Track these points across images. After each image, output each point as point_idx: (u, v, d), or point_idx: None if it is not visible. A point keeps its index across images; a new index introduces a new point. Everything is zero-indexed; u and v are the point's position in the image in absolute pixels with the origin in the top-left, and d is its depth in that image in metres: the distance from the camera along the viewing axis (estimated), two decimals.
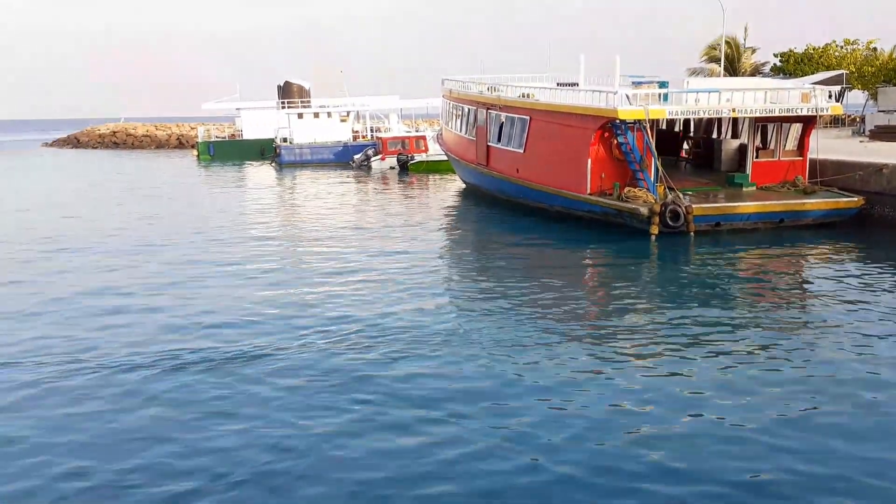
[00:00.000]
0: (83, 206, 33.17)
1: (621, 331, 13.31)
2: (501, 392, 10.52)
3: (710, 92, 24.37)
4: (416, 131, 58.76)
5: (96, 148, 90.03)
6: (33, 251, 21.87)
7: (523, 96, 29.28)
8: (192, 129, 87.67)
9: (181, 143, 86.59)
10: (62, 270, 19.15)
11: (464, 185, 37.42)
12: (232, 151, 65.30)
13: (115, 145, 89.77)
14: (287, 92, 62.84)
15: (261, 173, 51.42)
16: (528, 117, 27.89)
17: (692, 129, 33.08)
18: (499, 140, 30.19)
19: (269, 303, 15.43)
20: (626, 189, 23.29)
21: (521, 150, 28.28)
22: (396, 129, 59.51)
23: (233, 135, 69.29)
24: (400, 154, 49.78)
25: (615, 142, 24.06)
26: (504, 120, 29.77)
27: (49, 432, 9.57)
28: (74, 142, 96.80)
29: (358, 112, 64.21)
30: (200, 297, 16.03)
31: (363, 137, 61.03)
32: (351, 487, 8.07)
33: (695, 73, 57.20)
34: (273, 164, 57.83)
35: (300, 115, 60.61)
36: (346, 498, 7.88)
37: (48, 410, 10.23)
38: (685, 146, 33.10)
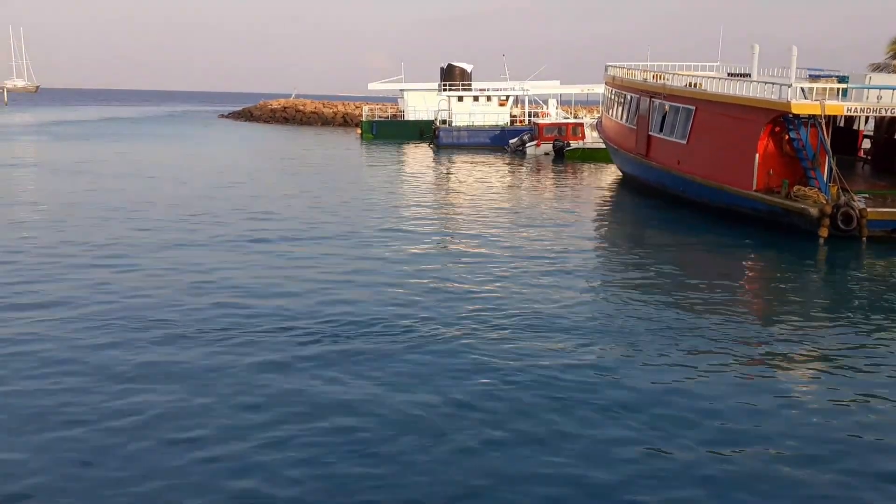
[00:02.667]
0: (269, 175, 35.00)
1: (784, 340, 12.63)
2: (662, 400, 10.09)
3: (895, 89, 22.66)
4: (575, 118, 58.05)
5: (268, 122, 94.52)
6: (225, 217, 23.32)
7: (690, 85, 28.27)
8: (357, 108, 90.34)
9: (346, 122, 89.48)
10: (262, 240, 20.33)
11: (621, 175, 36.68)
12: (393, 131, 66.91)
13: (285, 120, 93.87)
14: (449, 74, 63.59)
15: (419, 154, 52.42)
16: (693, 107, 26.94)
17: (873, 127, 30.88)
18: (661, 130, 29.34)
19: (422, 286, 15.73)
20: (796, 188, 22.09)
21: (684, 142, 27.37)
22: (554, 114, 58.99)
23: (395, 115, 70.96)
24: (556, 140, 49.35)
25: (786, 137, 22.85)
26: (668, 109, 28.89)
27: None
28: (248, 115, 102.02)
29: (517, 97, 64.12)
30: (347, 275, 16.60)
31: (521, 122, 60.90)
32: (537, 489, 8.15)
33: (878, 68, 53.21)
34: (431, 146, 58.77)
35: (460, 98, 61.21)
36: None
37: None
38: (864, 146, 30.96)
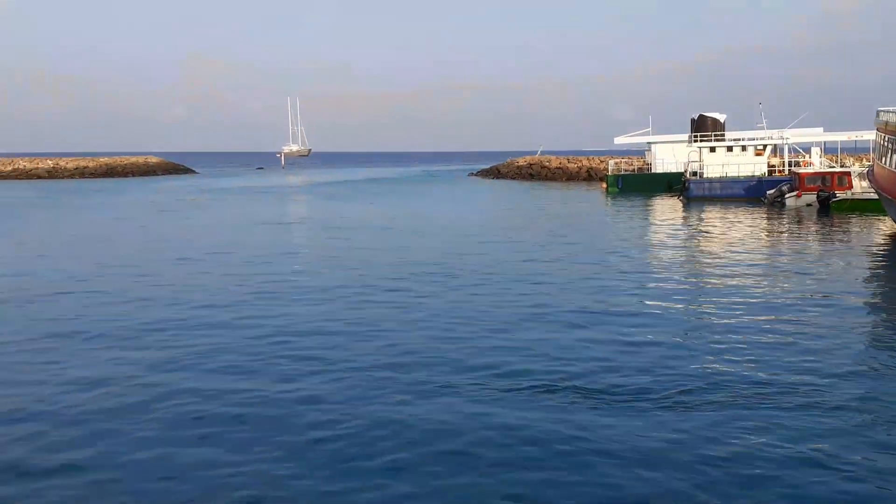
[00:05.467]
0: (522, 232, 35.73)
1: None
2: None
3: None
4: (841, 166, 53.71)
5: (514, 178, 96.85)
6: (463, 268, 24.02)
7: None
8: (602, 162, 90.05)
9: (590, 176, 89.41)
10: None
11: None
12: (639, 184, 65.87)
13: (531, 176, 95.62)
14: (700, 125, 61.62)
15: (667, 207, 50.94)
16: None
17: None
18: None
19: (664, 341, 15.02)
20: None
21: None
22: (818, 163, 55.00)
23: (640, 168, 69.84)
24: (820, 191, 45.87)
25: None
26: None
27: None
28: (496, 173, 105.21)
29: (775, 146, 60.61)
30: (599, 327, 16.20)
31: (780, 172, 57.38)
32: None
33: None
34: (680, 198, 56.95)
35: (712, 149, 58.97)
36: None
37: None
38: None
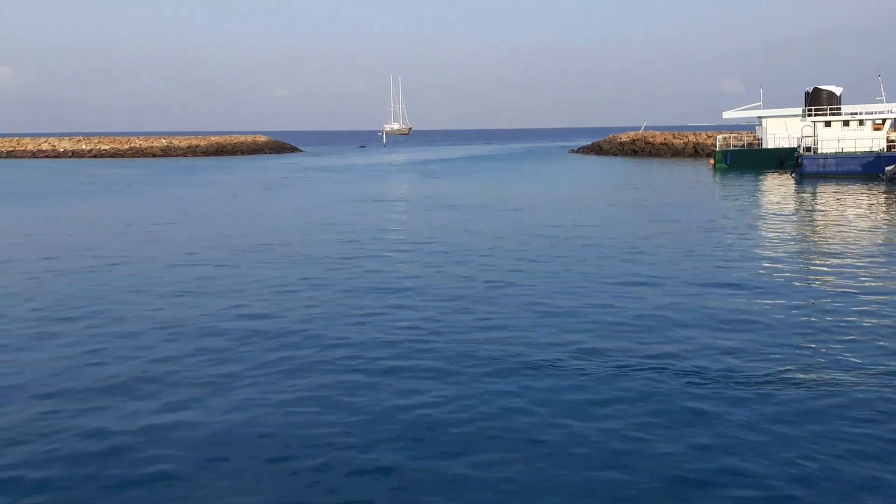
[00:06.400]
0: (624, 211, 35.21)
1: None
2: None
3: None
4: None
5: (616, 155, 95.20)
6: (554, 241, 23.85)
7: None
8: (709, 137, 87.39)
9: (697, 152, 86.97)
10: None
11: None
12: (749, 160, 63.75)
13: (634, 153, 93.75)
14: (815, 99, 58.95)
15: (778, 184, 49.05)
16: None
17: None
18: None
19: (771, 322, 14.53)
20: None
21: None
22: None
23: (750, 143, 67.51)
24: None
25: None
26: None
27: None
28: (597, 149, 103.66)
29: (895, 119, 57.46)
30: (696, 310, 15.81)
31: None
32: None
33: None
34: (792, 175, 54.75)
35: (827, 124, 56.36)
36: None
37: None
38: None
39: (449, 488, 8.31)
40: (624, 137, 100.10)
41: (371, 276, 19.94)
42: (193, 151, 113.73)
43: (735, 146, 68.16)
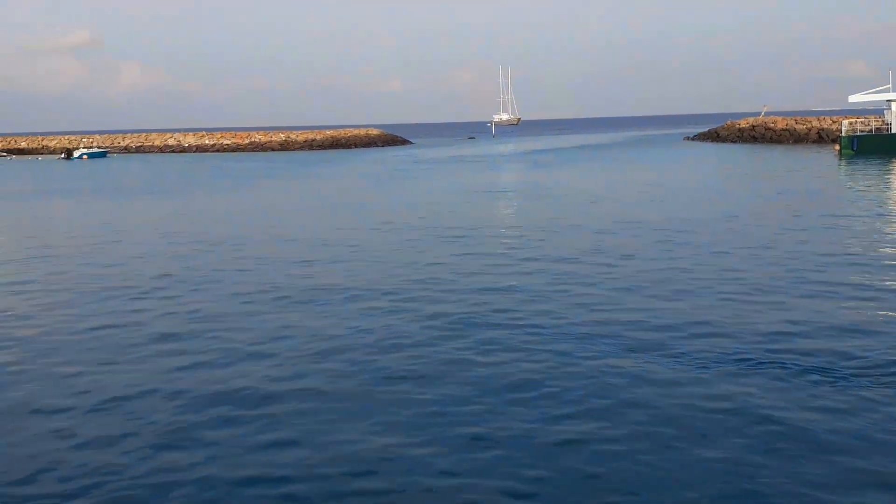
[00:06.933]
0: (749, 202, 34.27)
1: None
2: None
3: None
4: None
5: (735, 142, 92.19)
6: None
7: None
8: (834, 122, 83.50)
9: (821, 138, 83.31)
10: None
11: None
12: (878, 146, 60.55)
13: (753, 139, 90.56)
14: None
15: None
16: None
17: None
18: None
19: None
20: None
21: None
22: None
23: (878, 128, 64.09)
24: None
25: None
26: None
27: None
28: (714, 136, 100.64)
29: None
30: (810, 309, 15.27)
31: None
32: None
33: None
34: None
35: None
36: None
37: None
38: None
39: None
40: (742, 123, 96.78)
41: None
42: (310, 145, 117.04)
43: (862, 131, 64.86)
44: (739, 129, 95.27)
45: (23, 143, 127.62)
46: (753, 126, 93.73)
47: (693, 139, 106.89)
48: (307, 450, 9.04)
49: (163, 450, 9.14)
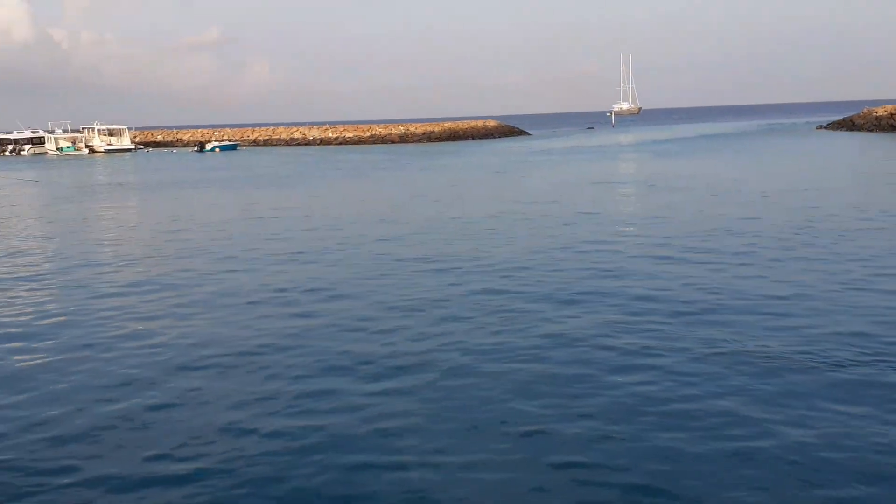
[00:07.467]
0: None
1: None
2: None
3: None
4: None
5: (871, 131, 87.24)
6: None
7: None
8: None
9: None
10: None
11: None
12: None
13: (892, 128, 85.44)
14: None
15: None
16: None
17: None
18: None
19: None
20: None
21: None
22: None
23: None
24: None
25: None
26: None
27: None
28: (849, 125, 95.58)
29: None
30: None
31: None
32: None
33: None
34: None
35: None
36: None
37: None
38: None
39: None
40: (880, 111, 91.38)
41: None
42: (428, 137, 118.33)
43: None
44: (877, 118, 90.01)
45: (158, 137, 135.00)
46: (892, 114, 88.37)
47: (826, 127, 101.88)
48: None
49: None
